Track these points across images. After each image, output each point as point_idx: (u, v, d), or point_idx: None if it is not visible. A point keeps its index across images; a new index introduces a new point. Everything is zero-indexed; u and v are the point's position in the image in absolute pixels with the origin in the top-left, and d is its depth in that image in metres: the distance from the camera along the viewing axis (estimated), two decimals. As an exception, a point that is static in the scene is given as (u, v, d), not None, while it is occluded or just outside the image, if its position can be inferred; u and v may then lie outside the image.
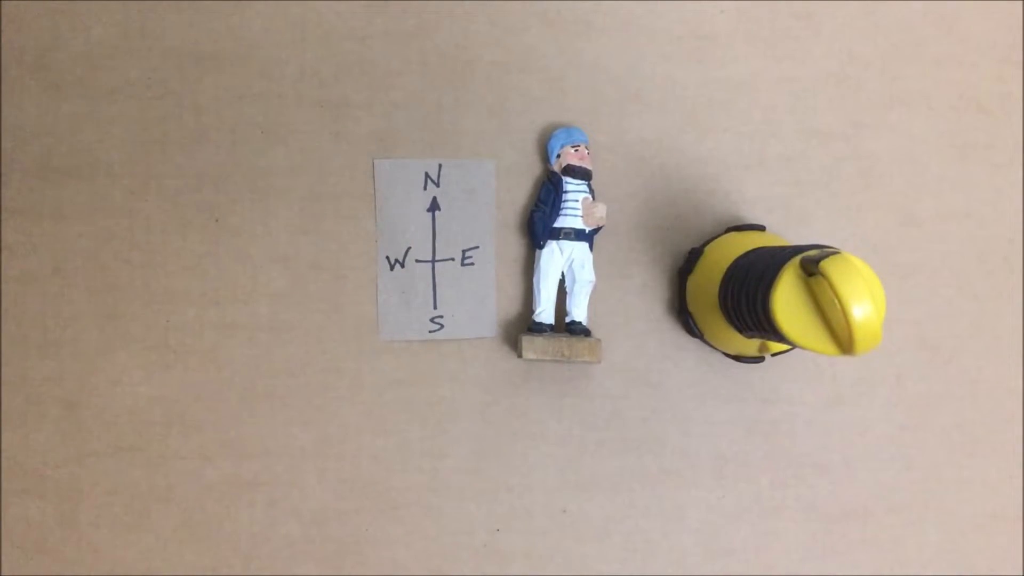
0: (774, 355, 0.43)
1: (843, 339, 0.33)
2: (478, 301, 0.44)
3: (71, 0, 0.42)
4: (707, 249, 0.43)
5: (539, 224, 0.43)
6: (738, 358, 0.44)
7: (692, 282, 0.43)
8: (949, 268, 0.46)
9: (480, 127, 0.44)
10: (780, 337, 0.35)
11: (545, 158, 0.44)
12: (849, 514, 0.46)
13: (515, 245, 0.44)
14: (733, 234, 0.43)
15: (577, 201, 0.43)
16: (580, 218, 0.43)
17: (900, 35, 0.46)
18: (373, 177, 0.44)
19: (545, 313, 0.43)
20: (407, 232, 0.44)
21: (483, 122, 0.44)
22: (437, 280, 0.44)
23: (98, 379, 0.43)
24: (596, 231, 0.44)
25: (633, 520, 0.45)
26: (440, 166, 0.44)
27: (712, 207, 0.45)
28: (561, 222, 0.43)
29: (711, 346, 0.44)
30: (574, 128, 0.44)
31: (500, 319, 0.44)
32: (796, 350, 0.44)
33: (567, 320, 0.43)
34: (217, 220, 0.43)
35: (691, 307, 0.43)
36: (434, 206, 0.44)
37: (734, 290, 0.38)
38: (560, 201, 0.43)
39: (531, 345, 0.42)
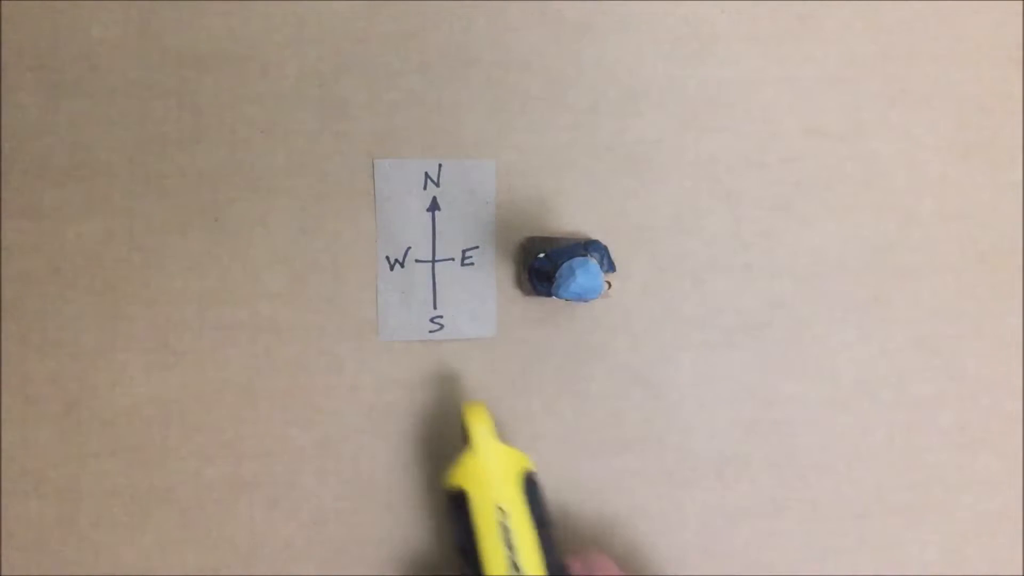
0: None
1: None
2: (478, 301, 0.44)
3: (71, 0, 0.42)
4: None
5: (543, 292, 0.42)
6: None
7: None
8: (949, 268, 0.46)
9: (480, 127, 0.44)
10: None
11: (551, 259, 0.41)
12: (849, 514, 0.46)
13: (515, 245, 0.44)
14: None
15: None
16: None
17: (900, 35, 0.46)
18: (373, 177, 0.44)
19: None
20: (407, 232, 0.44)
21: (483, 122, 0.44)
22: (437, 280, 0.44)
23: (98, 379, 0.43)
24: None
25: (633, 520, 0.45)
26: (440, 166, 0.44)
27: (712, 207, 0.45)
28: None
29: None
30: (586, 268, 0.39)
31: (500, 319, 0.44)
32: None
33: None
34: (217, 220, 0.43)
35: None
36: (434, 206, 0.44)
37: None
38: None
39: None
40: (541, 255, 0.42)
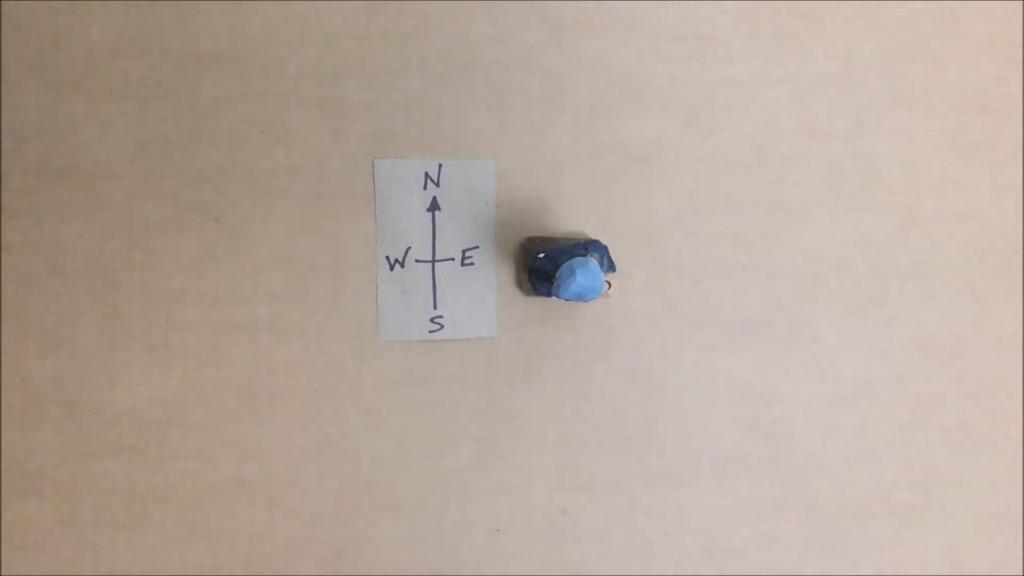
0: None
1: None
2: (478, 301, 0.44)
3: (71, 0, 0.42)
4: None
5: (543, 292, 0.43)
6: None
7: None
8: (949, 268, 0.46)
9: (480, 127, 0.44)
10: None
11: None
12: (849, 514, 0.46)
13: (515, 245, 0.44)
14: None
15: None
16: None
17: (901, 35, 0.46)
18: (373, 177, 0.44)
19: None
20: (407, 232, 0.44)
21: (483, 122, 0.44)
22: (437, 280, 0.44)
23: (98, 379, 0.43)
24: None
25: (633, 520, 0.45)
26: (440, 166, 0.44)
27: (712, 207, 0.45)
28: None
29: None
30: (586, 268, 0.40)
31: (500, 319, 0.44)
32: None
33: None
34: (217, 220, 0.43)
35: None
36: (434, 206, 0.44)
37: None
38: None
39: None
40: (541, 255, 0.42)
